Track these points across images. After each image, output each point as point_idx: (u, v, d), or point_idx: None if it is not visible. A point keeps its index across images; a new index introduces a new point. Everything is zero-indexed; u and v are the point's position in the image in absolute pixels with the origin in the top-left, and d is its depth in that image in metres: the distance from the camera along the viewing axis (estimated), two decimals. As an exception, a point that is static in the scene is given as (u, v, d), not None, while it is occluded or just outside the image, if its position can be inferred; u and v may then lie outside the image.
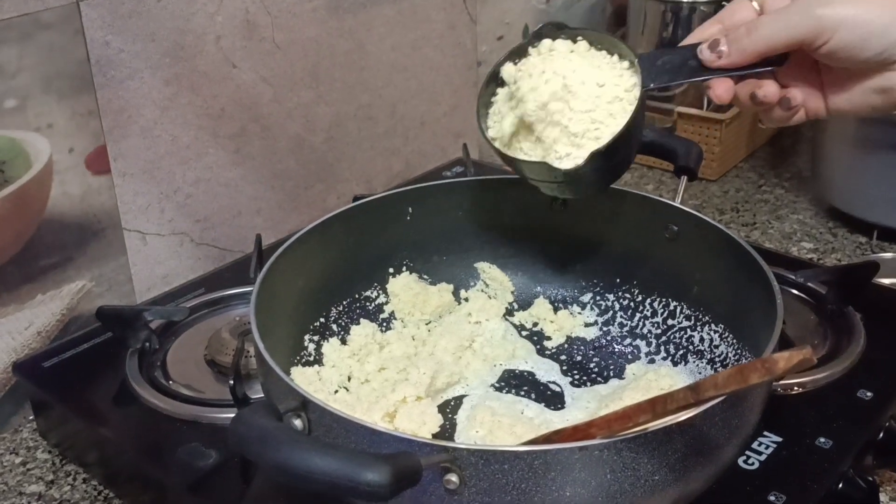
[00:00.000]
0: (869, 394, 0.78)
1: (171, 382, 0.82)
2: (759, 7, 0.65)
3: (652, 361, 0.81)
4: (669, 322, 0.82)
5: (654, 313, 0.83)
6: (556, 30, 0.69)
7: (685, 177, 0.85)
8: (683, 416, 0.54)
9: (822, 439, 0.73)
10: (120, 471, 0.78)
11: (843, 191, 1.16)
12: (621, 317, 0.85)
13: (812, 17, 0.62)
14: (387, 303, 0.85)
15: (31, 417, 0.87)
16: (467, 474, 0.53)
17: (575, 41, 0.69)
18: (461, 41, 1.25)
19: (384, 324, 0.84)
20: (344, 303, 0.83)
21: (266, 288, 0.69)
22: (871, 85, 0.64)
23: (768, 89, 0.65)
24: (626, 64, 0.68)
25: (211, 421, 0.76)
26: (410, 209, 0.84)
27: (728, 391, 0.52)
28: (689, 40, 0.67)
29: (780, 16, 0.63)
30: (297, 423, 0.57)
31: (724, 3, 1.21)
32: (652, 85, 0.66)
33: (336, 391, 0.76)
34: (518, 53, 0.70)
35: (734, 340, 0.76)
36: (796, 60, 0.65)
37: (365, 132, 1.16)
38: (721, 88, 0.66)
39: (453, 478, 0.53)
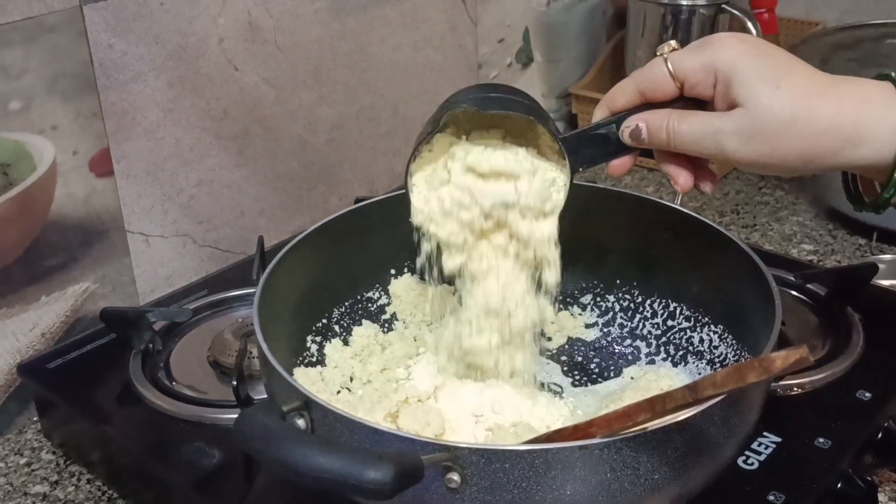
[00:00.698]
0: (868, 394, 0.78)
1: (174, 383, 0.82)
2: (672, 70, 0.64)
3: (652, 362, 0.82)
4: (669, 323, 0.82)
5: (654, 314, 0.83)
6: (471, 111, 0.68)
7: (685, 179, 0.85)
8: (682, 415, 0.55)
9: (822, 439, 0.73)
10: (124, 471, 0.79)
11: (843, 193, 1.16)
12: (621, 318, 0.85)
13: (722, 155, 0.62)
14: (388, 304, 0.85)
15: (35, 418, 0.87)
16: (469, 473, 0.54)
17: (488, 130, 0.69)
18: (462, 43, 1.25)
19: (386, 325, 0.84)
20: (346, 304, 0.83)
21: (268, 289, 0.70)
22: None
23: (683, 183, 0.67)
24: (549, 145, 0.68)
25: (214, 421, 0.76)
26: (412, 211, 0.85)
27: (726, 390, 0.52)
28: (605, 105, 0.67)
29: (697, 135, 0.63)
30: (301, 422, 0.57)
31: (722, 6, 1.23)
32: (581, 169, 0.68)
33: (338, 391, 0.76)
34: (428, 141, 0.71)
35: (734, 341, 0.76)
36: None
37: (367, 133, 1.16)
38: (616, 162, 0.68)
39: (455, 476, 0.54)
